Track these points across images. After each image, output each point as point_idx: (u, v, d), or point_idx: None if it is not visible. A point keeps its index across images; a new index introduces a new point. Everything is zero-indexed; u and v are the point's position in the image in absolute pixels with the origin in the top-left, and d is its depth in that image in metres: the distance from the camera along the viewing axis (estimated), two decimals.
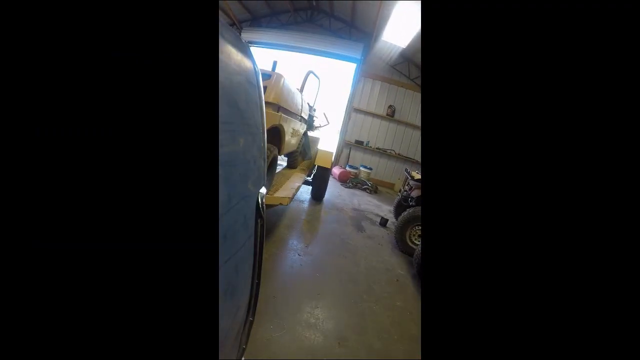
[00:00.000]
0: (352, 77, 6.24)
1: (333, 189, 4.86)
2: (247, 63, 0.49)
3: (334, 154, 4.01)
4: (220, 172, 0.38)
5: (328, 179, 3.68)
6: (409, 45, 5.01)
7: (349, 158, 6.46)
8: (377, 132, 6.44)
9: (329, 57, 6.21)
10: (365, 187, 5.40)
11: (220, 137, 0.38)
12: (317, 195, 3.73)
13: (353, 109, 6.29)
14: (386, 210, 4.24)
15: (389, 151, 6.40)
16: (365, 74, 6.13)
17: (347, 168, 6.07)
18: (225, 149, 0.39)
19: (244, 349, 0.54)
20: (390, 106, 6.19)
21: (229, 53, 0.43)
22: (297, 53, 6.29)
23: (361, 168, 6.10)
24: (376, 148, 6.41)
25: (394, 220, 3.51)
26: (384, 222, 3.50)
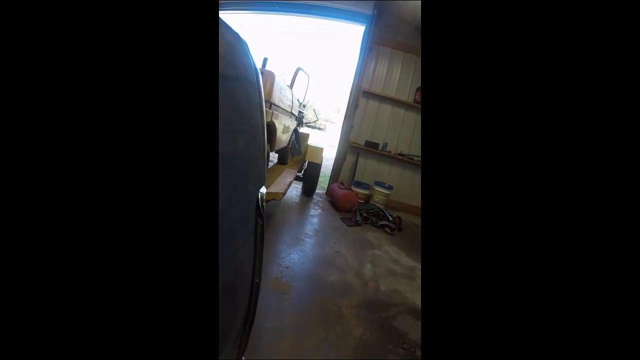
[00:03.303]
0: (359, 45, 6.01)
1: (327, 233, 4.00)
2: (247, 62, 0.72)
3: (325, 157, 5.57)
4: (220, 172, 0.60)
5: (318, 175, 5.46)
6: None
7: (355, 170, 6.13)
8: (399, 130, 6.13)
9: (325, 17, 6.41)
10: (383, 223, 4.68)
11: (220, 137, 0.60)
12: (308, 191, 5.57)
13: (362, 93, 5.96)
14: None
15: (416, 159, 5.97)
16: (379, 41, 5.83)
17: (353, 188, 5.73)
18: (225, 149, 0.61)
19: (244, 349, 0.73)
20: (419, 89, 5.80)
21: (228, 52, 0.66)
22: (282, 15, 6.71)
23: (375, 187, 5.74)
24: (397, 154, 6.06)
25: None
26: None
